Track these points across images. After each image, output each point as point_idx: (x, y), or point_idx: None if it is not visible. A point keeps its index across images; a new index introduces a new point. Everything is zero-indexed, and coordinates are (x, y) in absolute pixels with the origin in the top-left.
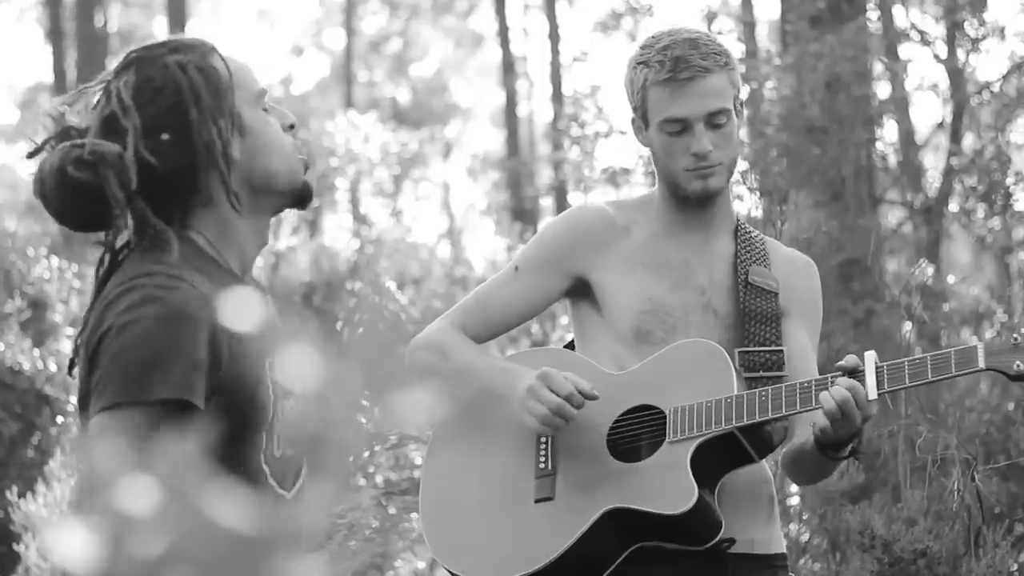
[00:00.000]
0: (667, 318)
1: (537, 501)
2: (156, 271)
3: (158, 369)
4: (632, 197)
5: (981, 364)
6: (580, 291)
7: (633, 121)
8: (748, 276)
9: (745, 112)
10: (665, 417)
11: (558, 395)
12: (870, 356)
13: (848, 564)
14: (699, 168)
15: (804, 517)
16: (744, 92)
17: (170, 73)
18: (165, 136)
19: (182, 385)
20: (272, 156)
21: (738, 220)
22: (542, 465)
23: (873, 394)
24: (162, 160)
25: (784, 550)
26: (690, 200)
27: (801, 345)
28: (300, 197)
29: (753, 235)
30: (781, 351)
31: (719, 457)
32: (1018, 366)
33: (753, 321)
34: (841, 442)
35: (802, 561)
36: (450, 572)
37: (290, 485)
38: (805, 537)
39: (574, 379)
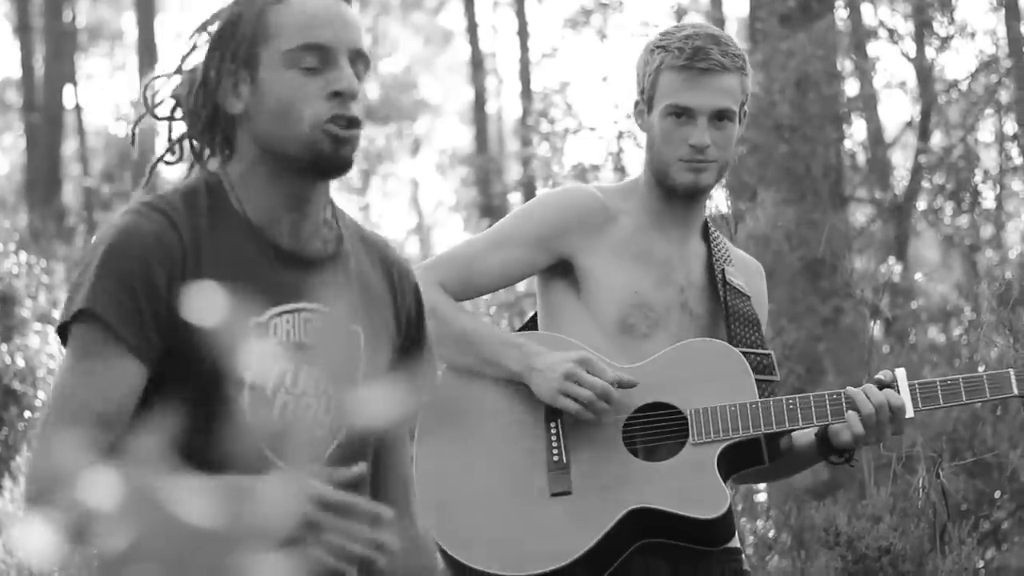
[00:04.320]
0: (651, 313)
1: (554, 495)
2: (140, 200)
3: (76, 289)
4: (616, 184)
5: (1015, 390)
6: (558, 270)
7: (636, 104)
8: (725, 275)
9: (746, 120)
10: (684, 417)
11: (603, 379)
12: (902, 373)
13: (813, 561)
14: (694, 160)
15: (771, 514)
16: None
17: (219, 16)
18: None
19: (88, 298)
20: (278, 119)
21: (706, 220)
22: (555, 458)
23: (911, 412)
24: (190, 98)
25: (739, 545)
26: (676, 193)
27: None
28: (317, 169)
29: (718, 235)
30: (770, 354)
31: (733, 460)
32: None
33: (738, 322)
34: (850, 448)
35: (768, 557)
36: (457, 562)
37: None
38: (772, 534)
39: (612, 366)
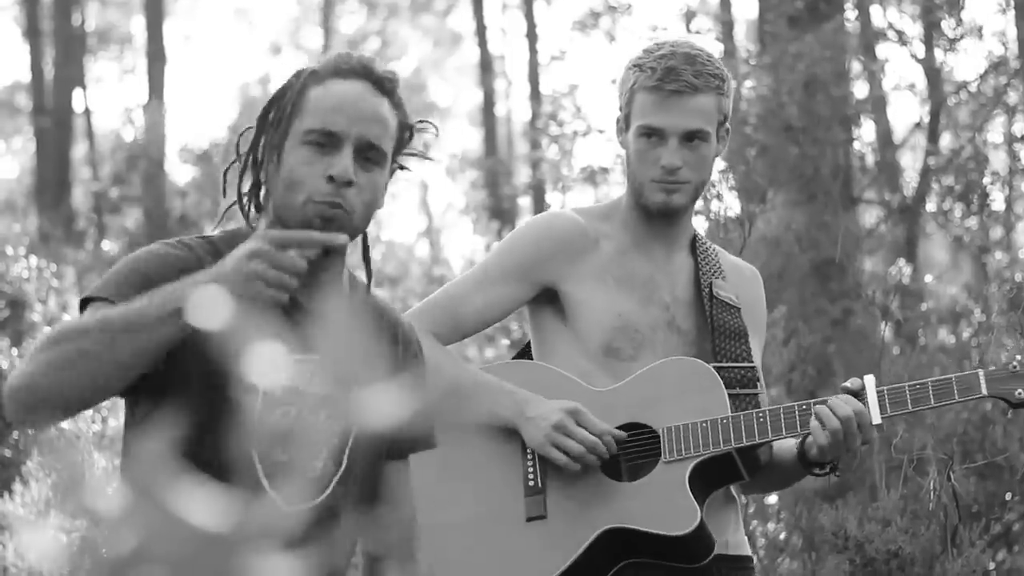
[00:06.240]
0: (636, 335)
1: (529, 520)
2: (174, 238)
3: (103, 281)
4: (598, 205)
5: (984, 391)
6: (545, 298)
7: (617, 121)
8: (712, 289)
9: (728, 140)
10: (656, 436)
11: (591, 432)
12: (870, 380)
13: (823, 564)
14: (665, 181)
15: (782, 516)
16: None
17: (275, 91)
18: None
19: (106, 288)
20: (285, 188)
21: (695, 233)
22: (531, 483)
23: (877, 419)
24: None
25: (750, 553)
26: (650, 212)
27: (758, 364)
28: None
29: (708, 247)
30: (754, 367)
31: (710, 476)
32: (1019, 394)
33: (723, 336)
34: (829, 459)
35: (779, 560)
36: None
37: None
38: (783, 536)
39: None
